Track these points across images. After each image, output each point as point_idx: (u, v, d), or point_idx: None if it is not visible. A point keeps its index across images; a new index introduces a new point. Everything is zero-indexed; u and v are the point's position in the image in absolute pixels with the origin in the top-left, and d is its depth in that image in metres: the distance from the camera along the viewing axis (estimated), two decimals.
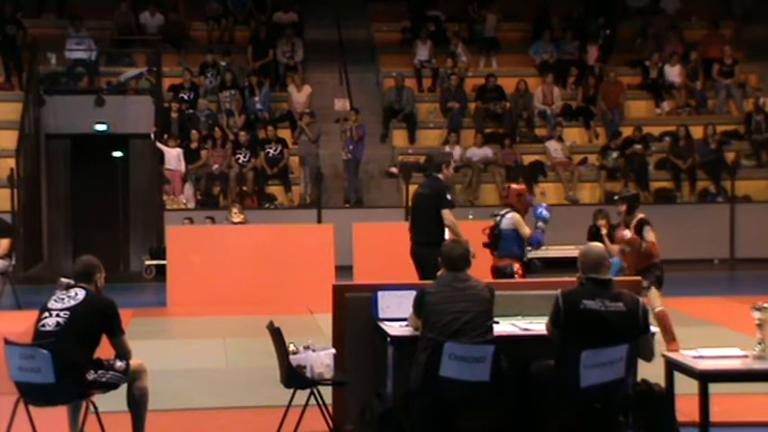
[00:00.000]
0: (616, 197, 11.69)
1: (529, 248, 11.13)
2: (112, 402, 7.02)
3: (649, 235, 10.43)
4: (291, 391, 7.08)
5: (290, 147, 20.28)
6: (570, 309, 6.41)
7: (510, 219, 11.00)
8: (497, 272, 10.94)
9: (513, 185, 11.62)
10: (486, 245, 11.10)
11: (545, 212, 11.10)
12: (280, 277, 14.61)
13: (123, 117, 20.33)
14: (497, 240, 11.03)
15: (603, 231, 14.62)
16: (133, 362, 6.85)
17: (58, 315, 6.65)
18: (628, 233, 10.40)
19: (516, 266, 10.91)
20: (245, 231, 15.78)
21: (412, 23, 23.12)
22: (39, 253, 19.87)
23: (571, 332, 6.40)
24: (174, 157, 19.45)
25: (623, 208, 10.71)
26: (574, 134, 21.48)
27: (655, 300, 10.17)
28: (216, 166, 19.69)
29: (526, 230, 10.98)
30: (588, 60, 22.40)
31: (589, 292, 6.47)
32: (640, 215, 10.76)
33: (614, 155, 20.41)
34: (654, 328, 6.70)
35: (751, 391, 7.64)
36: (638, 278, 8.66)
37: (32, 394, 6.62)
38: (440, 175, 11.00)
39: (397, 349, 6.93)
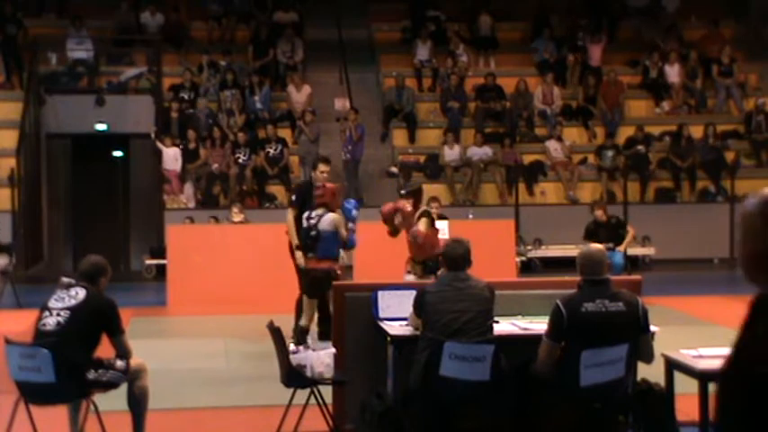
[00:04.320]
0: (402, 191, 11.94)
1: (343, 251, 10.63)
2: (113, 402, 7.03)
3: (421, 226, 11.00)
4: (291, 390, 7.08)
5: (290, 146, 20.29)
6: (573, 315, 6.37)
7: (330, 220, 10.26)
8: (321, 274, 10.17)
9: (329, 184, 10.67)
10: (299, 247, 10.66)
11: (354, 211, 10.54)
12: (280, 277, 14.56)
13: (123, 117, 20.34)
14: (315, 242, 10.30)
15: (604, 219, 14.58)
16: (133, 361, 6.85)
17: (58, 314, 6.64)
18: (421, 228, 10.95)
19: (337, 269, 10.30)
20: (245, 231, 15.78)
21: (412, 23, 23.12)
22: (39, 252, 19.87)
23: (573, 335, 6.38)
24: (171, 156, 19.45)
25: (410, 201, 11.24)
26: (574, 134, 21.47)
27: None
28: (216, 165, 19.69)
29: (344, 232, 10.31)
30: (589, 60, 22.38)
31: (588, 295, 6.43)
32: (424, 207, 11.51)
33: (610, 154, 20.39)
34: (654, 328, 6.69)
35: None
36: (638, 278, 8.63)
37: (33, 393, 6.62)
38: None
39: (397, 349, 6.94)
